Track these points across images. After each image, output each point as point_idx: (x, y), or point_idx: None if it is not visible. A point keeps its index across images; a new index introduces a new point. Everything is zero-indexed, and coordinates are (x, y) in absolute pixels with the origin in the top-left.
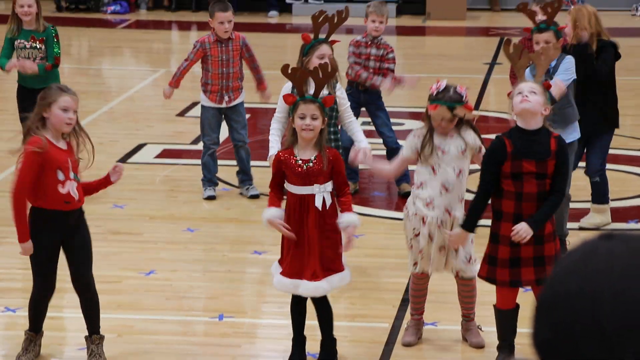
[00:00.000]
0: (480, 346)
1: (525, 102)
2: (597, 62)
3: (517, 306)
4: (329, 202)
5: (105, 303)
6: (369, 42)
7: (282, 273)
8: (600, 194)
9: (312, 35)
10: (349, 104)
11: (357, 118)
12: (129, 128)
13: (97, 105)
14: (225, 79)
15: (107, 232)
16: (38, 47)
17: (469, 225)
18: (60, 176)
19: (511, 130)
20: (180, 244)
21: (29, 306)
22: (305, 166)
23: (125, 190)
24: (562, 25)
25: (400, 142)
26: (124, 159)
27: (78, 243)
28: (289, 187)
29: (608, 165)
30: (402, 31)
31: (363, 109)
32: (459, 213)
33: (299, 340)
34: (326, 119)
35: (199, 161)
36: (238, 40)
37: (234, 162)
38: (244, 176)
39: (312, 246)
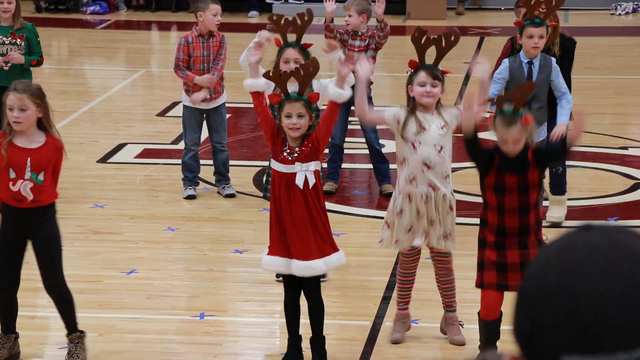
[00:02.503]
0: (461, 344)
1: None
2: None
3: (501, 314)
4: (312, 182)
5: (86, 302)
6: (353, 35)
7: (270, 253)
8: (560, 184)
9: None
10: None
11: (347, 113)
12: (110, 128)
13: (77, 106)
14: None
15: (87, 231)
16: (18, 43)
17: None
18: (12, 174)
19: (496, 147)
20: (161, 244)
21: None
22: (290, 157)
23: (105, 190)
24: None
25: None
26: (104, 159)
27: (41, 245)
28: (273, 163)
29: (587, 164)
30: None
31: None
32: (445, 189)
33: (294, 340)
34: (313, 115)
35: (179, 161)
36: (218, 37)
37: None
38: (220, 176)
39: (299, 227)
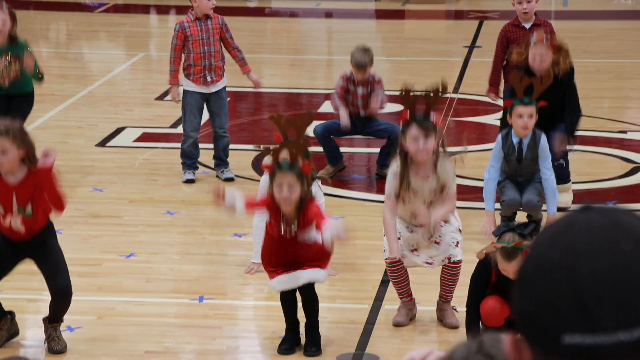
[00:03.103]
0: (455, 327)
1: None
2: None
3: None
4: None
5: (86, 286)
6: (354, 82)
7: (277, 273)
8: (563, 176)
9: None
10: (323, 200)
11: (341, 160)
12: (108, 112)
13: (76, 89)
14: (207, 59)
15: (87, 215)
16: (11, 64)
17: None
18: (1, 209)
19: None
20: (160, 227)
21: None
22: (288, 235)
23: (104, 174)
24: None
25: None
26: (103, 143)
27: (43, 260)
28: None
29: (586, 148)
30: (381, 15)
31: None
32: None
33: (291, 325)
34: (305, 185)
35: (178, 144)
36: (217, 19)
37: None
38: (219, 161)
39: (297, 255)
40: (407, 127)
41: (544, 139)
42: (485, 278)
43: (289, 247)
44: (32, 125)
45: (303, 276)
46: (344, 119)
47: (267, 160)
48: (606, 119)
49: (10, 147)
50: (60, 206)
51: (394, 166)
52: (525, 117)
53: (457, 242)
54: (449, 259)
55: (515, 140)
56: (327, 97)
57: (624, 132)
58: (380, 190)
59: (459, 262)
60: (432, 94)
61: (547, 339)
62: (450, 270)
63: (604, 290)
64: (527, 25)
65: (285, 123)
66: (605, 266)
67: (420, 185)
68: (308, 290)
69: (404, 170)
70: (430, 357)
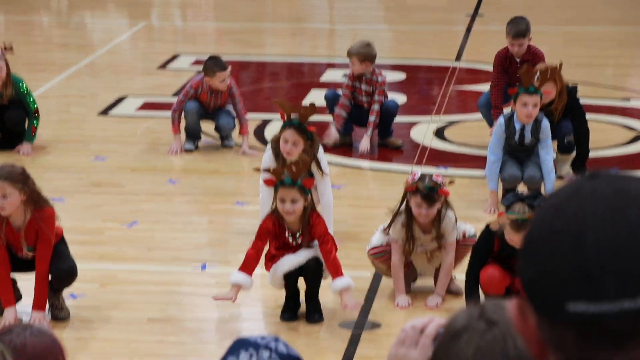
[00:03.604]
0: (459, 292)
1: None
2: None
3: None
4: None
5: (88, 254)
6: (359, 77)
7: (274, 261)
8: (568, 145)
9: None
10: (328, 172)
11: (350, 133)
12: (110, 81)
13: (77, 58)
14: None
15: (88, 184)
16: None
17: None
18: (12, 250)
19: (502, 235)
20: (162, 196)
21: None
22: (294, 242)
23: (106, 143)
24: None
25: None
26: (105, 112)
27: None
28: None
29: (589, 115)
30: None
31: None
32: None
33: (292, 293)
34: (308, 197)
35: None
36: (227, 90)
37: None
38: (222, 132)
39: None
40: (412, 193)
41: (545, 122)
42: (488, 247)
43: (294, 249)
44: (34, 94)
45: (302, 254)
46: (332, 135)
47: (268, 175)
48: (609, 87)
49: (11, 191)
50: (48, 244)
51: (402, 218)
52: (530, 106)
53: (455, 220)
54: (464, 234)
55: (517, 125)
56: (328, 65)
57: (627, 99)
58: (383, 159)
59: (473, 236)
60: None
61: (551, 307)
62: (463, 249)
63: (609, 258)
64: (518, 60)
65: (290, 108)
66: (610, 234)
67: (421, 235)
68: (313, 269)
69: (408, 221)
70: (432, 325)
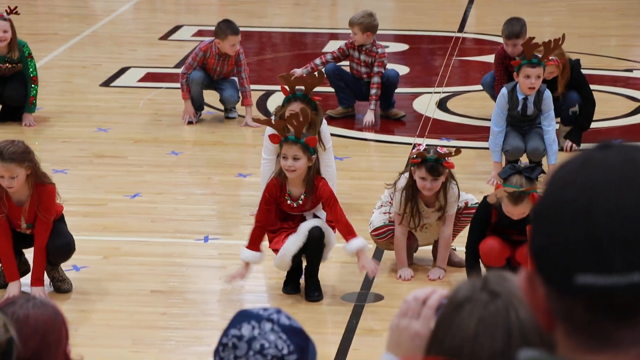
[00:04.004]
0: (462, 265)
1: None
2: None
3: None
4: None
5: (91, 225)
6: (359, 48)
7: (279, 243)
8: (573, 116)
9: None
10: (331, 144)
11: (352, 105)
12: (112, 52)
13: (80, 29)
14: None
15: (91, 155)
16: (16, 67)
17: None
18: (11, 225)
19: (500, 206)
20: (165, 167)
21: None
22: (295, 204)
23: (109, 114)
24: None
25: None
26: (107, 83)
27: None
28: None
29: (592, 87)
30: None
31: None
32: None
33: (294, 265)
34: (313, 157)
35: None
36: (234, 56)
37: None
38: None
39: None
40: (417, 166)
41: (547, 93)
42: (486, 219)
43: (296, 217)
44: (37, 64)
45: (304, 225)
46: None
47: (272, 131)
48: (612, 57)
49: (18, 171)
50: (47, 220)
51: (402, 181)
52: (532, 77)
53: (458, 195)
54: (466, 203)
55: (520, 96)
56: (331, 36)
57: (630, 70)
58: (385, 131)
59: (476, 204)
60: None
61: (560, 279)
62: (465, 217)
63: (619, 230)
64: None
65: (294, 81)
66: (621, 205)
67: (425, 208)
68: (316, 239)
69: (413, 194)
70: (434, 296)
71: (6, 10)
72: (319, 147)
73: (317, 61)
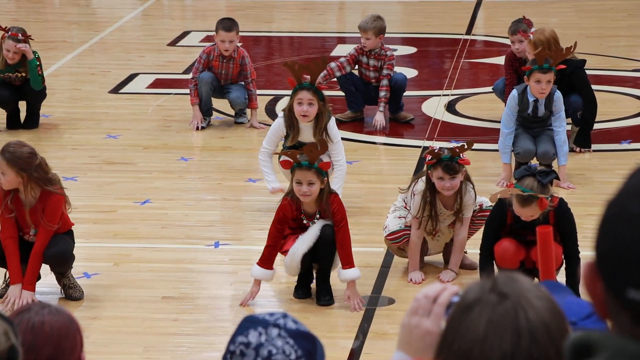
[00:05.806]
0: (473, 267)
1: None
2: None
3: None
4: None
5: (101, 232)
6: (368, 53)
7: (287, 247)
8: (581, 119)
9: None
10: (339, 139)
11: (361, 109)
12: (121, 58)
13: (88, 36)
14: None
15: (101, 162)
16: (27, 76)
17: None
18: (20, 231)
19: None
20: (175, 173)
21: None
22: (311, 223)
23: (118, 121)
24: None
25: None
26: (116, 90)
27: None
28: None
29: (600, 87)
30: None
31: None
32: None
33: (305, 269)
34: (326, 179)
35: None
36: (239, 59)
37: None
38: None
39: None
40: (433, 167)
41: (558, 94)
42: (501, 220)
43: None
44: (45, 73)
45: (312, 229)
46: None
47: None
48: (620, 58)
49: (8, 172)
50: (49, 227)
51: (420, 184)
52: (543, 83)
53: (474, 198)
54: (481, 206)
55: (531, 98)
56: (339, 40)
57: (638, 70)
58: (394, 134)
59: (490, 207)
60: (459, 149)
61: (614, 287)
62: (479, 220)
63: None
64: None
65: (299, 69)
66: None
67: (444, 211)
68: (328, 239)
69: (432, 198)
70: (445, 294)
71: (21, 34)
72: (327, 140)
73: (333, 64)
